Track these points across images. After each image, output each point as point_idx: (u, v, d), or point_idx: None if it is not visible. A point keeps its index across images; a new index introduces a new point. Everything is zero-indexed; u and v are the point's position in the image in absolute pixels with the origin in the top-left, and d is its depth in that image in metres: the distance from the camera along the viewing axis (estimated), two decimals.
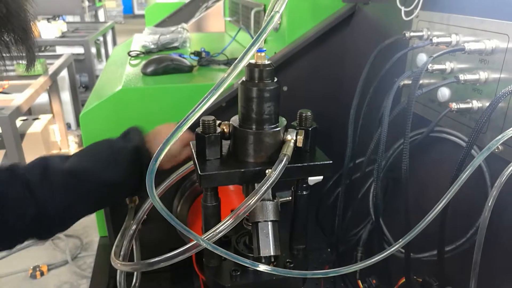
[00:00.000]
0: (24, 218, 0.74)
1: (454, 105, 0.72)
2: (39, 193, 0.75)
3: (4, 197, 0.72)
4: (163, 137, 0.73)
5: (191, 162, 0.78)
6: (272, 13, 0.52)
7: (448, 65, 0.76)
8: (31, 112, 3.18)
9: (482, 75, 0.69)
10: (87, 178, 0.81)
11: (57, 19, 5.11)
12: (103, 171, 0.83)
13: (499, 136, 0.58)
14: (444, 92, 0.78)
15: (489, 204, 0.61)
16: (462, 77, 0.70)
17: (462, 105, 0.72)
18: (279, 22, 1.18)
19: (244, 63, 0.51)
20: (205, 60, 1.36)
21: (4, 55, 0.50)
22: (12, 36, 0.50)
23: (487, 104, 0.65)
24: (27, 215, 0.74)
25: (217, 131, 0.63)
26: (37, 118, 2.94)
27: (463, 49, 0.69)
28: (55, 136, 3.05)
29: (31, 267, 1.96)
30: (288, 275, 0.59)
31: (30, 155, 2.56)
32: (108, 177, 0.83)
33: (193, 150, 0.66)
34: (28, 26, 0.56)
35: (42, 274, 1.96)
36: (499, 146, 0.66)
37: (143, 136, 0.92)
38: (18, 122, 2.70)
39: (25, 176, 0.76)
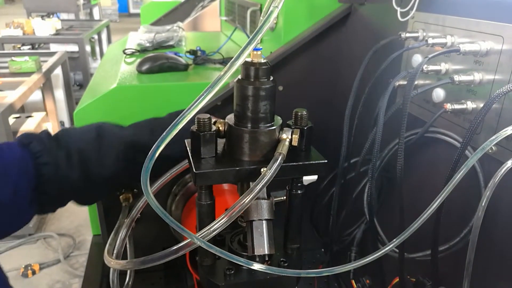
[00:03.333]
0: (68, 180, 0.74)
1: (448, 106, 0.72)
2: (88, 158, 0.76)
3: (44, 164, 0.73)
4: None
5: (186, 160, 0.78)
6: (270, 9, 0.52)
7: (443, 66, 0.77)
8: (24, 110, 3.16)
9: (477, 76, 0.70)
10: (144, 150, 0.82)
11: (51, 16, 5.08)
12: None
13: (493, 137, 0.58)
14: (439, 93, 0.78)
15: (483, 204, 0.61)
16: (457, 78, 0.71)
17: (457, 106, 0.72)
18: (275, 21, 1.18)
19: (240, 61, 0.51)
20: (200, 59, 1.36)
21: None
22: None
23: (481, 105, 0.66)
24: (71, 178, 0.74)
25: (212, 129, 0.63)
26: (30, 116, 2.92)
27: (458, 50, 0.69)
28: None
29: (23, 266, 1.94)
30: (282, 274, 0.59)
31: None
32: (165, 151, 0.83)
33: (188, 148, 0.66)
34: None
35: (34, 273, 1.95)
36: (493, 147, 0.67)
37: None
38: (11, 120, 2.67)
39: (76, 143, 0.77)
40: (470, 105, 0.72)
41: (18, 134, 2.67)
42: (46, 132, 0.78)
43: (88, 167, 0.76)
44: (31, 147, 0.75)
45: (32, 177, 0.73)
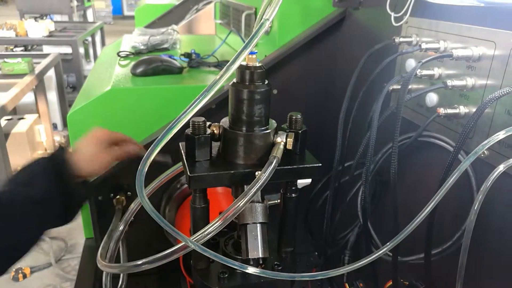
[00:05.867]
0: None
1: (441, 110, 0.73)
2: None
3: None
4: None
5: (180, 164, 0.78)
6: (262, 21, 0.52)
7: (436, 71, 0.78)
8: (16, 112, 3.13)
9: (469, 81, 0.71)
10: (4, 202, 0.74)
11: (44, 18, 5.06)
12: (19, 190, 0.76)
13: (485, 141, 0.58)
14: (432, 97, 0.79)
15: (475, 208, 0.61)
16: (449, 82, 0.72)
17: (450, 110, 0.73)
18: (270, 25, 1.18)
19: (236, 66, 0.51)
20: (195, 62, 1.36)
21: None
22: None
23: (474, 109, 0.66)
24: None
25: (207, 133, 0.63)
26: (23, 118, 2.89)
27: (451, 55, 0.70)
28: (40, 136, 3.00)
29: (13, 270, 1.92)
30: (276, 278, 0.59)
31: (14, 155, 2.52)
32: (27, 195, 0.75)
33: (182, 151, 0.66)
34: None
35: (24, 276, 1.92)
36: (485, 151, 0.67)
37: (67, 150, 0.84)
38: (3, 122, 2.65)
39: None
40: (462, 109, 0.72)
41: (10, 136, 2.64)
42: None
43: None
44: None
45: None
